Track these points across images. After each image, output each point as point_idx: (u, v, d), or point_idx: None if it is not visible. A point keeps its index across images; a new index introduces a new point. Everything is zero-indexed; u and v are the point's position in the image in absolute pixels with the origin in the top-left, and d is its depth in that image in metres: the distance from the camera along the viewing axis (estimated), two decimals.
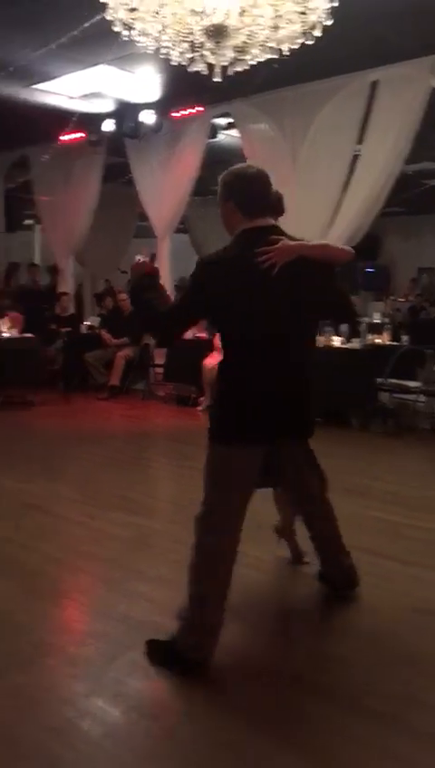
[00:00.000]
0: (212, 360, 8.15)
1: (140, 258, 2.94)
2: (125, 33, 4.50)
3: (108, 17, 4.44)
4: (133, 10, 4.35)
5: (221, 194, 2.74)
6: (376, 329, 8.66)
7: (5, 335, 8.36)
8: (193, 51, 4.54)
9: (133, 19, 4.44)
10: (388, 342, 7.94)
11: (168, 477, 5.82)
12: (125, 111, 8.50)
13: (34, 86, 7.61)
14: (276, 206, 2.95)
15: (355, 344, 7.54)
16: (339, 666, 2.66)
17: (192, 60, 4.59)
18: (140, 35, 4.51)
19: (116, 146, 9.13)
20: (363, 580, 3.25)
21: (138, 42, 4.58)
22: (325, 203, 7.53)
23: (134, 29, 4.47)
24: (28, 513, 4.43)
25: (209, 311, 2.72)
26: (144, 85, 7.66)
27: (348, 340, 7.72)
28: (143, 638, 2.73)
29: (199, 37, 4.42)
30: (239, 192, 2.70)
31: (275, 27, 4.16)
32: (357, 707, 2.38)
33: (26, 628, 2.94)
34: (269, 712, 2.37)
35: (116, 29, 4.48)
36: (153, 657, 2.66)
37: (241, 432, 2.64)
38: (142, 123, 8.48)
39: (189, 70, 4.66)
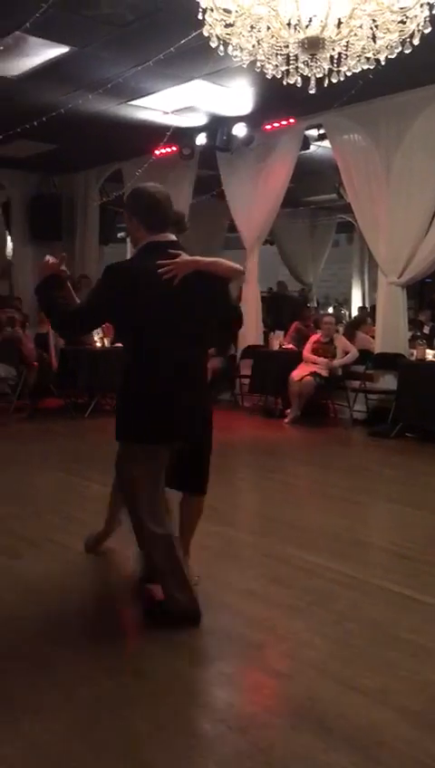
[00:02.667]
0: (300, 372, 8.11)
1: (49, 258, 3.17)
2: (221, 48, 4.56)
3: (205, 33, 4.50)
4: (229, 25, 4.39)
5: (127, 210, 3.07)
6: None
7: (98, 344, 8.58)
8: (288, 63, 4.55)
9: (229, 34, 4.49)
10: None
11: (253, 489, 5.81)
12: (217, 125, 8.60)
13: (130, 102, 7.81)
14: (179, 223, 3.36)
15: None
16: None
17: (287, 72, 4.60)
18: (235, 50, 4.55)
19: (208, 159, 9.24)
20: None
21: (233, 56, 4.63)
22: (419, 214, 7.38)
23: (230, 44, 4.52)
24: None
25: (115, 313, 3.01)
26: (237, 99, 7.74)
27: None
28: (231, 650, 2.73)
29: (295, 50, 4.42)
30: (142, 209, 3.00)
31: (373, 37, 4.11)
32: None
33: (114, 635, 2.99)
34: (362, 731, 2.31)
35: (212, 44, 4.54)
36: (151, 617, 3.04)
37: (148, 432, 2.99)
38: (234, 136, 8.56)
39: (284, 83, 4.67)
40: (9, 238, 12.00)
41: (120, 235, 14.21)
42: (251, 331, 9.14)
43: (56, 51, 6.40)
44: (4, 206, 11.83)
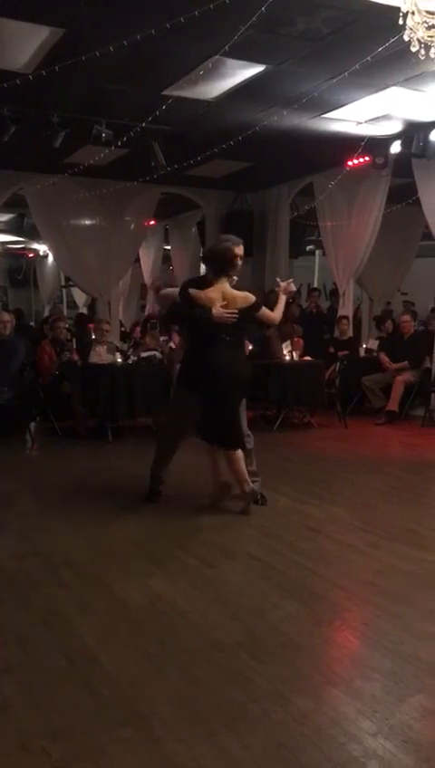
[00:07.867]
0: None
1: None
2: (422, 52, 4.39)
3: (405, 38, 4.36)
4: (433, 27, 4.22)
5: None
6: None
7: (287, 358, 8.61)
8: None
9: (431, 36, 4.31)
10: None
11: None
12: (413, 131, 8.32)
13: (323, 115, 7.77)
14: None
15: None
16: None
17: None
18: None
19: (402, 167, 8.97)
20: None
21: None
22: None
23: (432, 46, 4.34)
24: (309, 535, 4.47)
25: None
26: (434, 104, 7.43)
27: None
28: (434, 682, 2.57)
29: None
30: None
31: None
32: None
33: (311, 654, 2.94)
34: None
35: (413, 49, 4.38)
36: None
37: None
38: (431, 142, 8.22)
39: None
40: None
41: (308, 248, 14.26)
42: None
43: (252, 70, 6.51)
44: (199, 224, 12.29)
